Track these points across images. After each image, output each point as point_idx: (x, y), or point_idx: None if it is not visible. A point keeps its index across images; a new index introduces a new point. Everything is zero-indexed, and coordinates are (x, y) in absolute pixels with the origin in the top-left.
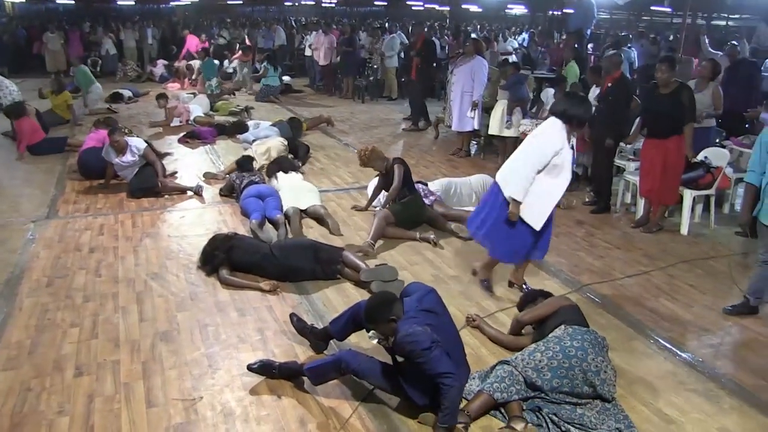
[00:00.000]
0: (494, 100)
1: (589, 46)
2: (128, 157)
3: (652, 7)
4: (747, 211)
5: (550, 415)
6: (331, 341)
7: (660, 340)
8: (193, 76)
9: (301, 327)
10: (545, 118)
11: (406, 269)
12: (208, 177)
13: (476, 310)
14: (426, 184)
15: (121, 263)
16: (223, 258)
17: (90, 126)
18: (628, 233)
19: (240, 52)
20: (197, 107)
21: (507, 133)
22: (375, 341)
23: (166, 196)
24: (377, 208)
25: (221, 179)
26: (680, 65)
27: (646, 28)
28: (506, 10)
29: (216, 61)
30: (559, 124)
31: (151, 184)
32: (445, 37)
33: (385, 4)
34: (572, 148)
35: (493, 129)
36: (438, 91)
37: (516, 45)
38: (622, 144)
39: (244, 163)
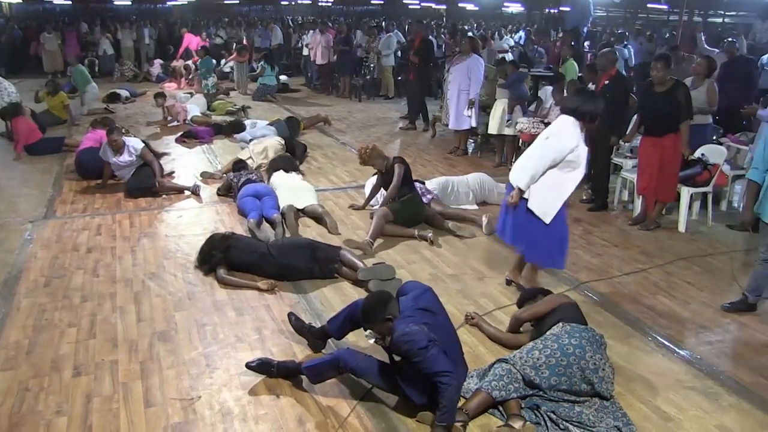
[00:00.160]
0: (492, 98)
1: (586, 43)
2: (125, 157)
3: (649, 5)
4: (750, 209)
5: (548, 413)
6: (330, 340)
7: (658, 337)
8: (190, 76)
9: (299, 326)
10: (544, 116)
11: (404, 268)
12: (206, 176)
13: (474, 308)
14: (423, 183)
15: (118, 263)
16: (220, 257)
17: (87, 126)
18: (625, 231)
19: (236, 52)
20: (194, 107)
21: (507, 131)
22: (372, 341)
23: (164, 196)
24: (375, 207)
25: (218, 179)
26: (683, 62)
27: (643, 25)
28: (503, 8)
29: (213, 60)
30: (572, 121)
31: (149, 183)
32: (442, 36)
33: (382, 2)
34: (587, 144)
35: (493, 128)
36: (435, 89)
37: (512, 43)
38: (619, 141)
39: (239, 165)
